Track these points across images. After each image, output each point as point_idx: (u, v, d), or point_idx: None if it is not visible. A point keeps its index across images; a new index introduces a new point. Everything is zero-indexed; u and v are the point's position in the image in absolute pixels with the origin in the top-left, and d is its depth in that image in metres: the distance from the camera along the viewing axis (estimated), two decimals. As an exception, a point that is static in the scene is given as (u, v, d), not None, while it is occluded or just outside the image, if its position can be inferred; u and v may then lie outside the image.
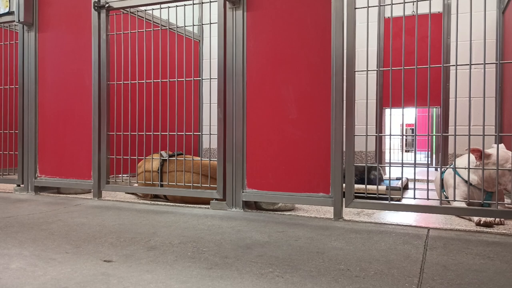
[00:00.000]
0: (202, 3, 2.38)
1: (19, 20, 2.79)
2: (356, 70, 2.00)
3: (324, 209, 2.24)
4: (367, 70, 1.99)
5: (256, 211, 2.22)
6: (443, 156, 4.04)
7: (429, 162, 4.71)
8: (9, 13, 2.90)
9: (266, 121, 2.19)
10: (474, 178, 2.09)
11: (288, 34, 2.14)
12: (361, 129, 4.35)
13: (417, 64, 1.92)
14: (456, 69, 1.85)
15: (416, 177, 3.67)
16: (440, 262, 1.32)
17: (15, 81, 3.05)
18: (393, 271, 1.22)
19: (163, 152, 2.59)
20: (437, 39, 3.93)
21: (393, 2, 1.99)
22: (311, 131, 2.10)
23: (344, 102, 2.03)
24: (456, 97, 1.80)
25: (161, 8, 2.45)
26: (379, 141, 3.94)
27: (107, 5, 2.57)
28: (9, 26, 3.36)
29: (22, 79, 2.89)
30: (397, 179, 3.23)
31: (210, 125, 2.41)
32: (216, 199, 2.28)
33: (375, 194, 2.31)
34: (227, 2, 2.25)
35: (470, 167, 2.02)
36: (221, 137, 2.28)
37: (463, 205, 2.03)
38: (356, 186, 2.07)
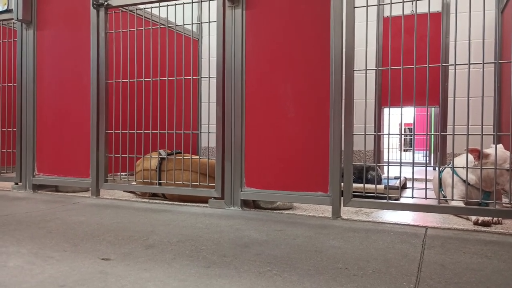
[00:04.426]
0: (201, 1, 2.38)
1: (17, 18, 2.78)
2: (355, 69, 2.00)
3: (322, 208, 2.24)
4: (366, 69, 1.99)
5: (255, 209, 2.22)
6: (441, 156, 4.04)
7: (427, 161, 4.71)
8: (8, 10, 2.89)
9: (265, 120, 2.19)
10: (472, 177, 2.10)
11: (288, 33, 2.14)
12: (360, 128, 4.35)
13: (416, 64, 1.92)
14: (455, 69, 1.85)
15: (414, 177, 3.66)
16: (438, 261, 1.32)
17: (14, 79, 3.04)
18: (391, 270, 1.22)
19: (161, 151, 2.59)
20: (436, 38, 3.93)
21: (392, 1, 1.98)
22: (310, 130, 2.10)
23: (343, 101, 2.03)
24: (454, 97, 1.80)
25: (160, 6, 2.45)
26: (378, 140, 3.94)
27: (105, 3, 2.56)
28: (8, 24, 3.35)
29: (20, 77, 2.88)
30: (395, 178, 3.23)
31: (209, 124, 2.41)
32: (215, 198, 2.28)
33: (373, 193, 2.31)
34: (226, 1, 2.24)
35: (468, 166, 2.02)
36: (219, 135, 2.28)
37: (461, 204, 2.03)
38: (355, 185, 2.07)
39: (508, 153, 2.02)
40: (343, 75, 2.01)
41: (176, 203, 2.42)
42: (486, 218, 1.84)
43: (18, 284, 1.08)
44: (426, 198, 1.91)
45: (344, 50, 2.01)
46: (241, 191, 2.22)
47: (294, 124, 2.13)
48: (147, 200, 2.52)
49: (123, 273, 1.17)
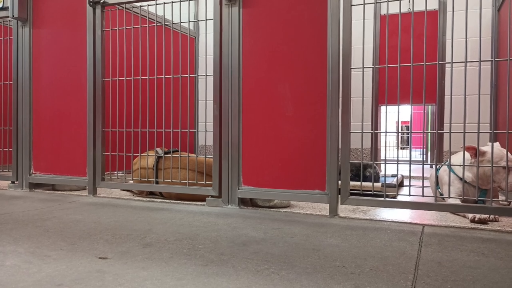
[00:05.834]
0: (198, -1, 2.37)
1: (13, 16, 2.76)
2: (352, 67, 2.00)
3: (319, 206, 2.24)
4: (363, 68, 1.99)
5: (252, 208, 2.22)
6: (438, 154, 4.05)
7: (424, 159, 4.73)
8: (3, 8, 2.87)
9: (262, 118, 2.19)
10: (468, 175, 2.10)
11: (285, 31, 2.14)
12: (357, 126, 4.36)
13: (412, 62, 1.92)
14: (452, 67, 1.86)
15: (411, 174, 3.68)
16: (435, 258, 1.32)
17: (10, 77, 3.03)
18: (388, 268, 1.23)
19: (158, 149, 2.58)
20: (433, 36, 3.94)
21: (389, -1, 1.98)
22: (307, 128, 2.10)
23: (340, 99, 2.03)
24: (451, 95, 1.81)
25: (156, 4, 2.44)
26: (375, 138, 3.95)
27: (102, 1, 2.55)
28: (3, 21, 3.33)
29: (16, 75, 2.87)
30: (393, 176, 3.24)
31: (206, 122, 2.40)
32: (212, 196, 2.28)
33: (371, 191, 2.31)
34: (223, -1, 2.24)
35: (465, 164, 2.03)
36: (216, 134, 2.27)
37: (458, 202, 2.04)
38: (352, 183, 2.08)
39: (504, 151, 2.03)
40: (340, 73, 2.01)
41: (174, 201, 2.42)
42: (483, 216, 1.84)
43: (15, 283, 1.08)
44: (423, 196, 1.92)
45: (341, 48, 2.01)
46: (239, 189, 2.22)
47: (291, 122, 2.13)
48: (144, 199, 2.52)
49: (120, 272, 1.17)
